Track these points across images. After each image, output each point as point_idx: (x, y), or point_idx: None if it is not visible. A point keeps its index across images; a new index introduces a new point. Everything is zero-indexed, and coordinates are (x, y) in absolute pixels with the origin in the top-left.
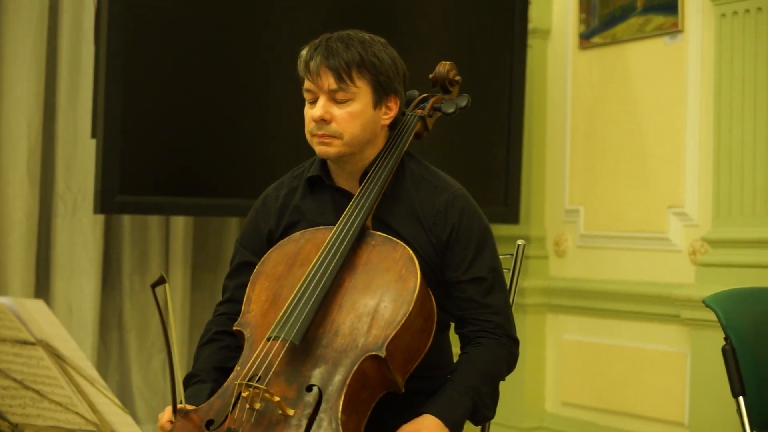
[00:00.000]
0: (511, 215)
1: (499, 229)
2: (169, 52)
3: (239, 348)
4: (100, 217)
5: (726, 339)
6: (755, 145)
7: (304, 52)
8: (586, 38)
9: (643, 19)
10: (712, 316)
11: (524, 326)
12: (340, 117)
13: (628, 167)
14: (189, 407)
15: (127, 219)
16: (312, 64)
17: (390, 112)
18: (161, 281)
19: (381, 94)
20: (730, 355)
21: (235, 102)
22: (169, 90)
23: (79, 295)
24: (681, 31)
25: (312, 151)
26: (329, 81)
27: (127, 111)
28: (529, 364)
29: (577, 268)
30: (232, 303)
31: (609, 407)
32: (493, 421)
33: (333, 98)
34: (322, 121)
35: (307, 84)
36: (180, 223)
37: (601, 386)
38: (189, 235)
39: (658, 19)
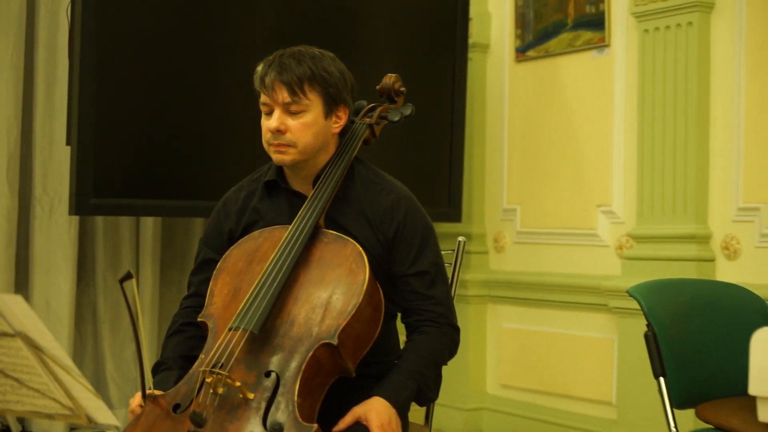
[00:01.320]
0: (454, 214)
1: (442, 227)
2: (138, 66)
3: (203, 338)
4: (75, 219)
5: (648, 325)
6: (675, 149)
7: (259, 68)
8: (521, 52)
9: (573, 34)
10: (636, 305)
11: (467, 316)
12: (294, 127)
13: (560, 170)
14: (157, 393)
15: (100, 220)
16: (267, 80)
17: (340, 121)
18: (128, 276)
19: (331, 105)
20: (651, 340)
21: (198, 113)
22: (139, 101)
23: (56, 290)
24: (608, 46)
25: (268, 157)
26: (283, 94)
27: (99, 120)
28: (471, 351)
29: (515, 262)
30: (197, 297)
31: (544, 389)
32: (438, 402)
33: (287, 110)
34: (278, 132)
35: (262, 97)
36: (149, 224)
37: (537, 370)
38: (157, 234)
39: (587, 35)
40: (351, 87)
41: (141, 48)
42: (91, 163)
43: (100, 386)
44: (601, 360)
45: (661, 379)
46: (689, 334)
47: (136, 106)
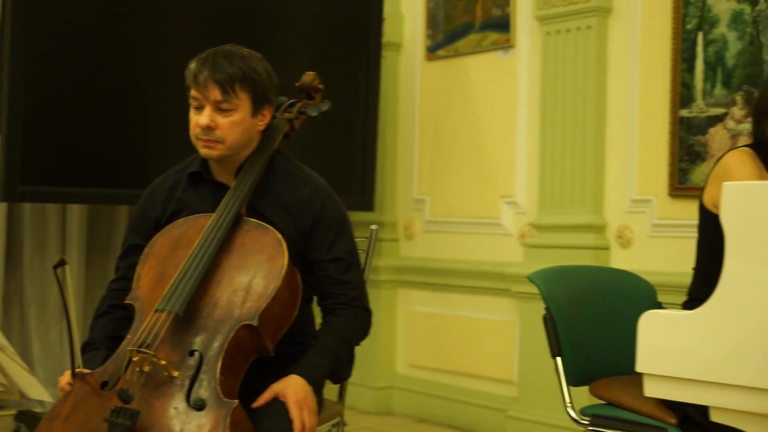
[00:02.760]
0: (367, 204)
1: (356, 216)
2: (67, 58)
3: (130, 320)
4: (3, 205)
5: (547, 309)
6: (574, 145)
7: (192, 65)
8: (432, 51)
9: (481, 35)
10: (536, 289)
11: (378, 300)
12: (224, 125)
13: (467, 163)
14: (86, 371)
15: (27, 207)
16: (200, 77)
17: (264, 119)
18: (62, 263)
19: (258, 105)
20: (549, 322)
21: (124, 104)
22: (66, 93)
23: None
24: (513, 47)
25: (192, 148)
26: (215, 93)
27: (28, 111)
28: (382, 333)
29: (424, 249)
30: (124, 280)
31: (451, 368)
32: (350, 381)
33: (218, 108)
34: (208, 128)
35: (193, 93)
36: (75, 211)
37: (444, 351)
38: (83, 220)
39: (493, 36)
40: (275, 86)
41: (69, 41)
42: (20, 152)
43: (26, 366)
44: (504, 341)
45: (558, 359)
46: (584, 317)
47: (64, 97)
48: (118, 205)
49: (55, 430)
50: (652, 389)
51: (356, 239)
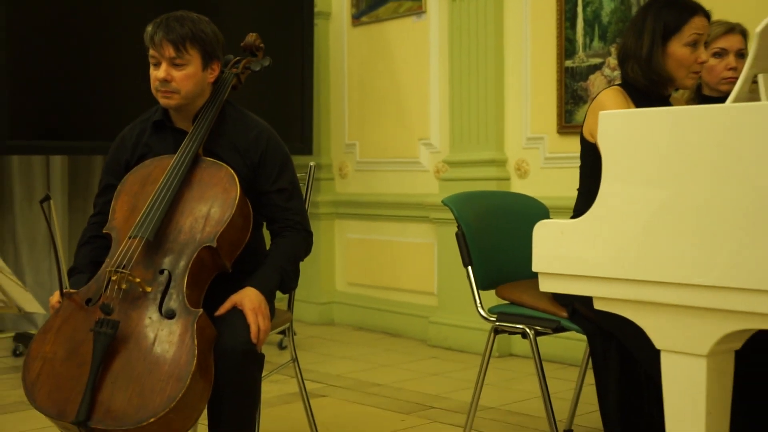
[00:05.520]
0: (306, 149)
1: (297, 160)
2: (47, 22)
3: (108, 247)
4: None
5: (458, 227)
6: (478, 93)
7: (149, 29)
8: (356, 18)
9: (398, 3)
10: (450, 215)
11: (318, 229)
12: (179, 77)
13: (389, 112)
14: (72, 291)
15: (15, 159)
16: (156, 38)
17: (214, 72)
18: (47, 198)
19: (207, 60)
20: (461, 237)
21: (96, 67)
22: (48, 55)
23: None
24: (425, 12)
25: (154, 101)
26: (169, 51)
27: (13, 73)
28: (322, 257)
29: (356, 186)
30: (101, 215)
31: (382, 284)
32: (297, 298)
33: (172, 63)
34: (165, 81)
35: (151, 52)
36: (57, 161)
37: (375, 270)
38: (65, 169)
39: (408, 3)
40: (222, 45)
41: (49, 7)
42: (7, 110)
43: None
44: (425, 260)
45: (469, 268)
46: (490, 232)
47: (46, 60)
48: (94, 155)
49: (48, 342)
50: (546, 285)
51: (298, 176)
